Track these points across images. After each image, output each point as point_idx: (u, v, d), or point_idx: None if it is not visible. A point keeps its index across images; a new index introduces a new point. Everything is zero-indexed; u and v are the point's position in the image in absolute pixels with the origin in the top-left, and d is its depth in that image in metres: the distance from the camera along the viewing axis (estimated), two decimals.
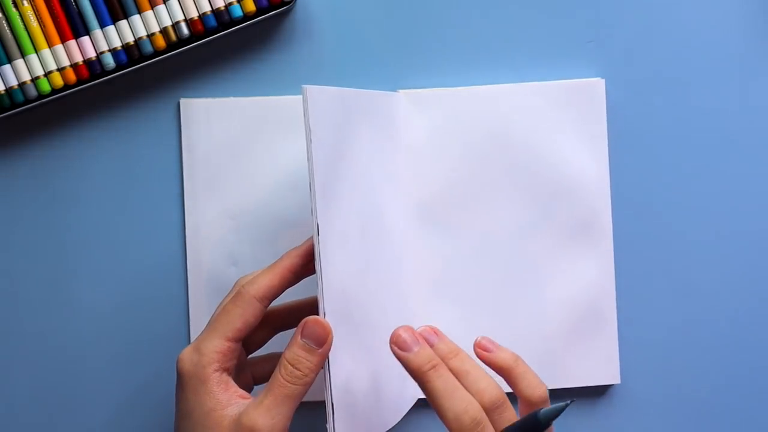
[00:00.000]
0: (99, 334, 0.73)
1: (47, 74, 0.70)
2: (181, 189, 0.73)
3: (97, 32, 0.70)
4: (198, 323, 0.72)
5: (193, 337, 0.73)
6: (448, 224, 0.73)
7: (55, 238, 0.73)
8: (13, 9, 0.69)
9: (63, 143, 0.73)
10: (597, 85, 0.73)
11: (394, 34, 0.73)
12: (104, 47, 0.70)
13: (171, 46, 0.70)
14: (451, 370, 0.59)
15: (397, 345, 0.59)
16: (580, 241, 0.73)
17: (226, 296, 0.63)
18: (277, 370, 0.59)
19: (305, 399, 0.62)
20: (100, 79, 0.70)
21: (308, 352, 0.58)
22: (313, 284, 0.59)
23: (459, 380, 0.59)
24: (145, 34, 0.70)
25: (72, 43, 0.70)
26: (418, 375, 0.59)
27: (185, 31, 0.70)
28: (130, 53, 0.70)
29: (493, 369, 0.61)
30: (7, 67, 0.69)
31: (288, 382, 0.58)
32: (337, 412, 0.60)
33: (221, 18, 0.70)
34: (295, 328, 0.59)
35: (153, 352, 0.73)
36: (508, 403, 0.59)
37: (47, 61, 0.69)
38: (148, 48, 0.70)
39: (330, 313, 0.59)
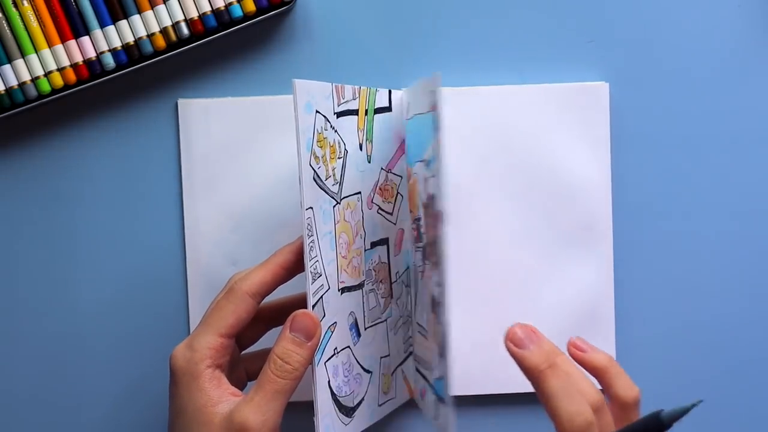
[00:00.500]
0: (98, 333, 0.73)
1: (47, 74, 0.70)
2: (180, 188, 0.73)
3: (97, 32, 0.70)
4: (197, 322, 0.72)
5: None
6: (448, 225, 0.72)
7: (55, 237, 0.73)
8: (13, 9, 0.69)
9: (63, 143, 0.73)
10: (601, 88, 0.72)
11: (394, 35, 0.73)
12: (104, 47, 0.70)
13: (171, 46, 0.71)
14: None
15: (513, 342, 0.59)
16: (580, 244, 0.73)
17: (220, 292, 0.63)
18: (266, 366, 0.58)
19: (301, 399, 0.62)
20: (100, 79, 0.70)
21: (298, 346, 0.58)
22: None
23: None
24: (145, 34, 0.70)
25: (72, 43, 0.70)
26: (534, 374, 0.58)
27: (185, 31, 0.70)
28: (130, 53, 0.70)
29: (587, 369, 0.61)
30: (7, 67, 0.69)
31: (278, 377, 0.58)
32: (322, 406, 0.60)
33: (221, 18, 0.70)
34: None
35: (152, 351, 0.73)
36: (606, 405, 0.58)
37: (47, 61, 0.70)
38: (148, 48, 0.70)
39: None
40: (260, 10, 0.71)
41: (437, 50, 0.73)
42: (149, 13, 0.70)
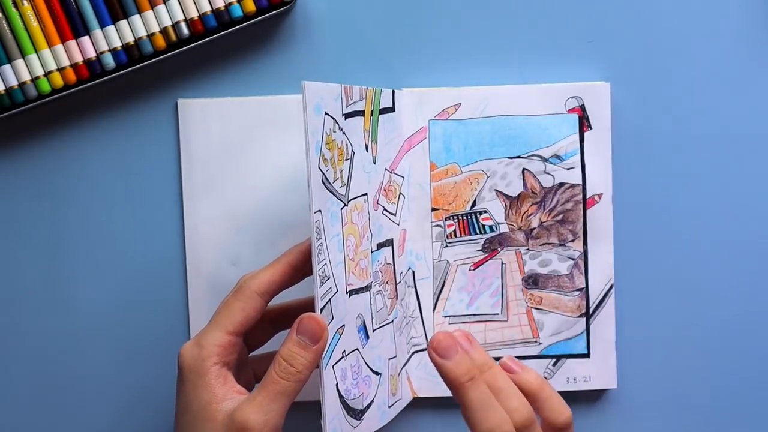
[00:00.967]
0: (99, 335, 0.73)
1: (47, 74, 0.70)
2: (180, 189, 0.73)
3: (97, 32, 0.70)
4: (197, 323, 0.72)
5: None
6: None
7: (55, 238, 0.73)
8: (13, 9, 0.69)
9: (63, 143, 0.73)
10: (602, 88, 0.72)
11: (393, 34, 0.73)
12: (104, 47, 0.70)
13: (171, 46, 0.70)
14: None
15: (437, 351, 0.59)
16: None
17: (230, 293, 0.63)
18: (271, 367, 0.58)
19: (304, 399, 0.62)
20: (100, 79, 0.70)
21: (303, 349, 0.58)
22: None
23: None
24: (145, 34, 0.70)
25: (72, 43, 0.70)
26: (455, 385, 0.58)
27: (185, 31, 0.70)
28: (130, 53, 0.70)
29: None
30: (7, 67, 0.69)
31: (282, 378, 0.58)
32: (330, 409, 0.59)
33: (221, 18, 0.70)
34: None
35: (152, 353, 0.73)
36: (537, 424, 0.58)
37: (47, 61, 0.70)
38: (148, 48, 0.70)
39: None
40: (260, 10, 0.70)
41: (437, 50, 0.73)
42: (149, 13, 0.70)
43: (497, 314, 0.73)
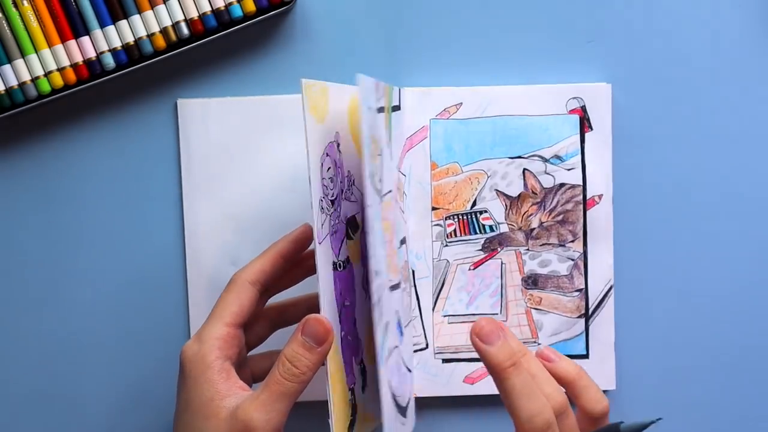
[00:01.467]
0: (98, 334, 0.73)
1: (47, 74, 0.70)
2: (180, 189, 0.73)
3: (97, 32, 0.70)
4: (197, 323, 0.72)
5: None
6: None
7: (55, 238, 0.73)
8: (13, 9, 0.69)
9: (63, 143, 0.73)
10: (603, 89, 0.72)
11: (393, 35, 0.73)
12: (104, 47, 0.70)
13: (171, 46, 0.70)
14: None
15: (479, 336, 0.58)
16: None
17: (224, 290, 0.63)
18: (275, 367, 0.58)
19: (308, 399, 0.62)
20: (100, 79, 0.70)
21: (308, 350, 0.58)
22: (313, 281, 0.59)
23: None
24: (145, 34, 0.70)
25: (72, 43, 0.70)
26: (497, 370, 0.57)
27: (185, 31, 0.70)
28: (130, 53, 0.70)
29: (555, 380, 0.60)
30: (7, 67, 0.69)
31: (285, 379, 0.58)
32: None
33: (221, 18, 0.70)
34: (296, 325, 0.59)
35: (153, 353, 0.73)
36: (571, 410, 0.58)
37: (47, 61, 0.69)
38: (148, 48, 0.70)
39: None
40: (260, 10, 0.70)
41: (437, 50, 0.73)
42: (149, 13, 0.70)
43: (496, 314, 0.73)
